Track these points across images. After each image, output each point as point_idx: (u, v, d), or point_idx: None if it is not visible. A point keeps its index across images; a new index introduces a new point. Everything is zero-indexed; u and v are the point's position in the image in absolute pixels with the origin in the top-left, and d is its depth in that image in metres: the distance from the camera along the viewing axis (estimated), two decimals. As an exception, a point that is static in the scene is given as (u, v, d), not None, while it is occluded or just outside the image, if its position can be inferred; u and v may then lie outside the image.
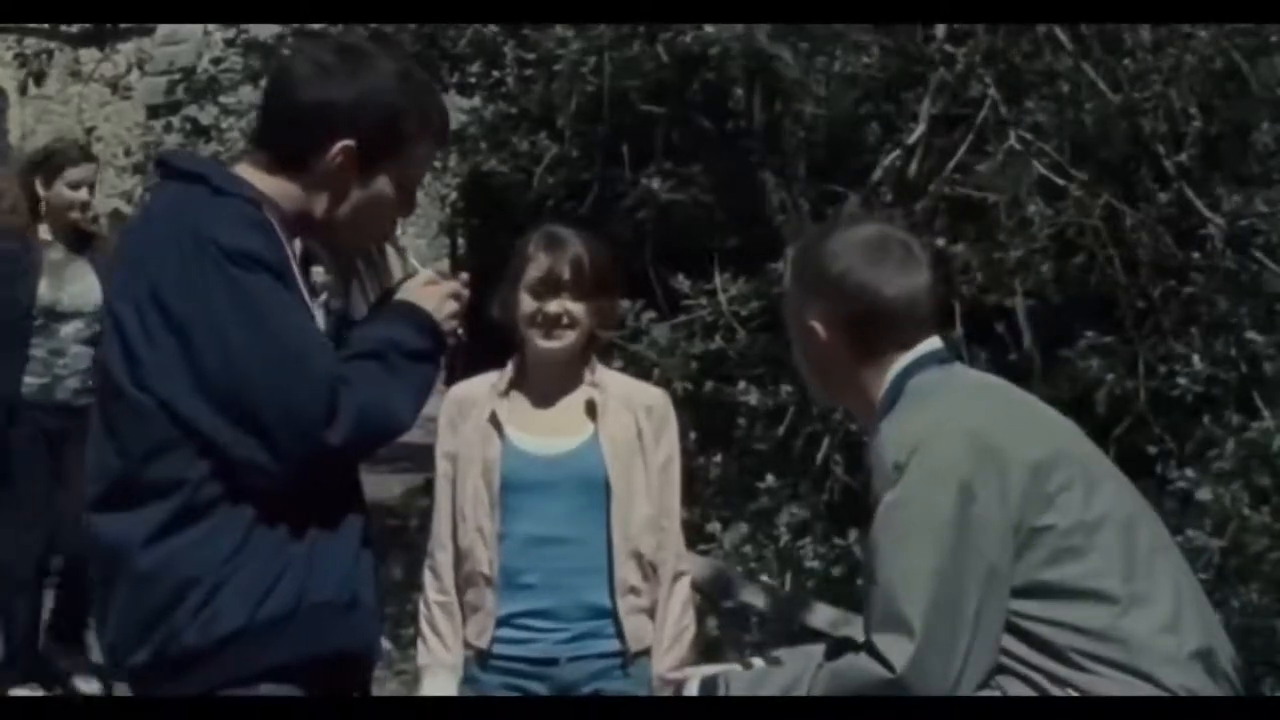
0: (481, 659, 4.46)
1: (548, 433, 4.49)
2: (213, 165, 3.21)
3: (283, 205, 3.17)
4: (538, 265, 4.45)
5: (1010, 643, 3.02)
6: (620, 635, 4.44)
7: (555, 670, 4.42)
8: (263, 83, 3.33)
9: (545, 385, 4.53)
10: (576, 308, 4.44)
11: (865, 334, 3.24)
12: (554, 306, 4.44)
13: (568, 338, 4.45)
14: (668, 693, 3.54)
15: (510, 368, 4.56)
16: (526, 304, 4.46)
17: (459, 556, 4.49)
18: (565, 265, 4.43)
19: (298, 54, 3.28)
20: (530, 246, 4.50)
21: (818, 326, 3.26)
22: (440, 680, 4.49)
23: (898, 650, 2.96)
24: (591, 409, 4.47)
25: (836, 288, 3.26)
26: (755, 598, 7.50)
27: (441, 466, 4.56)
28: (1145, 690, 2.98)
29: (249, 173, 3.20)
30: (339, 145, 3.15)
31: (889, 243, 3.29)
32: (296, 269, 3.11)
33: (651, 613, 4.49)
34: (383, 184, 3.24)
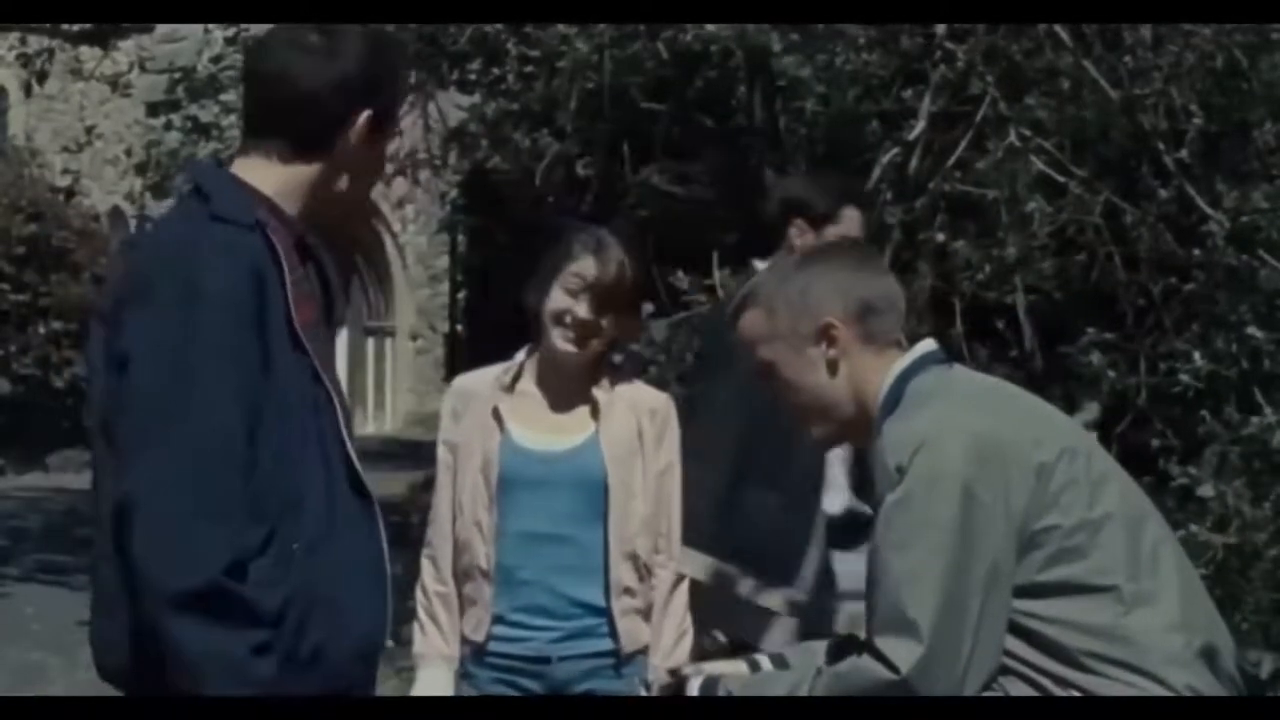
0: (478, 653, 4.46)
1: (549, 430, 4.47)
2: (216, 184, 3.19)
3: (299, 195, 3.16)
4: (581, 266, 4.40)
5: (1014, 644, 3.01)
6: (614, 635, 4.44)
7: (549, 668, 4.42)
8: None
9: (552, 383, 4.49)
10: (605, 317, 4.40)
11: (876, 317, 3.27)
12: (584, 311, 4.39)
13: (591, 345, 4.42)
14: (668, 688, 3.52)
15: (517, 360, 4.53)
16: (558, 300, 4.41)
17: (457, 549, 4.47)
18: (608, 273, 4.39)
19: (280, 45, 3.25)
20: (576, 245, 4.44)
21: (834, 320, 3.26)
22: (436, 671, 4.47)
23: (904, 652, 2.95)
24: (594, 409, 4.46)
25: (852, 276, 3.30)
26: (756, 595, 7.48)
27: (442, 455, 4.54)
28: (1151, 690, 2.98)
29: (260, 167, 3.18)
30: (363, 117, 3.15)
31: (859, 244, 3.36)
32: (290, 296, 3.07)
33: (646, 614, 4.47)
34: (383, 145, 3.26)
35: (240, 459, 2.95)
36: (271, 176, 3.16)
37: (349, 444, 3.15)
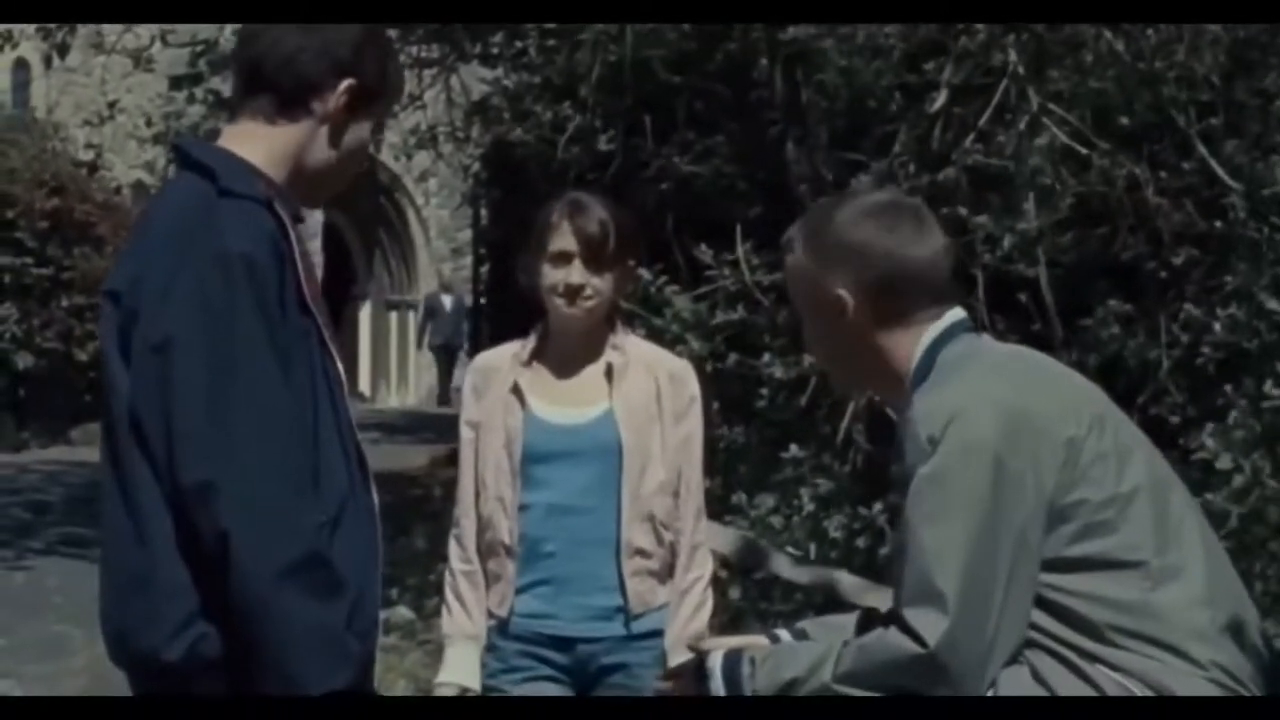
0: (502, 627, 4.49)
1: (568, 403, 4.49)
2: (219, 160, 3.17)
3: (282, 163, 3.16)
4: (561, 234, 4.44)
5: (1041, 617, 3.00)
6: (623, 593, 4.45)
7: (572, 645, 4.44)
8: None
9: (567, 354, 4.52)
10: (598, 278, 4.43)
11: (893, 298, 3.21)
12: (577, 276, 4.43)
13: (590, 306, 4.44)
14: (690, 663, 3.50)
15: (533, 337, 4.56)
16: (549, 274, 4.45)
17: (480, 526, 4.51)
18: (589, 234, 4.42)
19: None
20: (554, 215, 4.48)
21: (845, 295, 3.22)
22: (462, 650, 4.51)
23: (931, 624, 2.95)
24: (610, 376, 4.47)
25: (860, 254, 3.23)
26: (781, 568, 7.52)
27: (465, 434, 4.57)
28: (1176, 665, 2.98)
29: (246, 133, 3.18)
30: (344, 84, 3.17)
31: (902, 208, 3.29)
32: (301, 270, 3.07)
33: (661, 576, 4.49)
34: (365, 129, 3.25)
35: (301, 430, 2.98)
36: (258, 143, 3.16)
37: (351, 416, 3.16)
